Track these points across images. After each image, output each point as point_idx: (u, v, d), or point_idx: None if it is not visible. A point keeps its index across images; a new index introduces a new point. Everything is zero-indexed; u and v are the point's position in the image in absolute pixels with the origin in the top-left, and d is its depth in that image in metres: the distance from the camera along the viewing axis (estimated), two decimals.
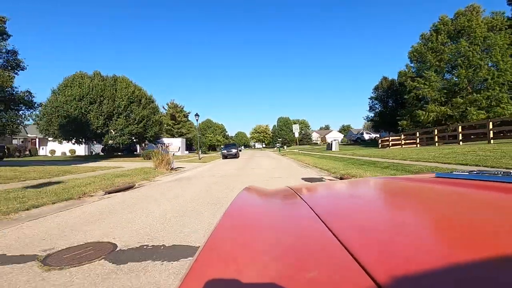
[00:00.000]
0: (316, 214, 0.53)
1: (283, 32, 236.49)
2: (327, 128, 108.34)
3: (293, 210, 0.68)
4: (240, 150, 64.33)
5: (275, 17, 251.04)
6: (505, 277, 0.26)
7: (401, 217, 0.53)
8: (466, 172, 0.85)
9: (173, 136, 39.72)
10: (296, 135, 23.51)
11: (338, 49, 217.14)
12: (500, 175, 0.71)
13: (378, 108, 32.54)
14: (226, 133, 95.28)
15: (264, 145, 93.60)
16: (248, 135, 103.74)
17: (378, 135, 42.23)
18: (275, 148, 67.55)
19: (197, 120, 20.93)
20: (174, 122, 40.86)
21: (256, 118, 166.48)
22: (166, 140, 35.32)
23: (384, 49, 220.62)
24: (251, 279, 0.32)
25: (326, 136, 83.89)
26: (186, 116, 41.77)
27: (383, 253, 0.35)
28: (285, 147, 62.33)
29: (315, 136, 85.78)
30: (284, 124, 79.61)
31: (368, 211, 0.60)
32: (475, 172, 0.81)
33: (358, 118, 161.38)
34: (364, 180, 1.23)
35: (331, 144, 26.18)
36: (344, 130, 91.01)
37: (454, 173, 0.85)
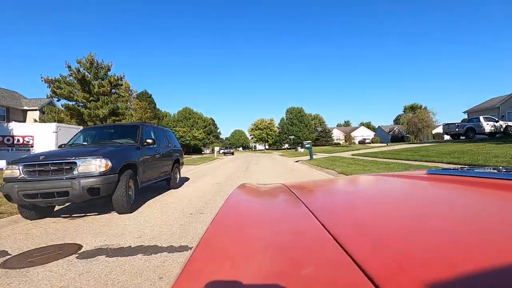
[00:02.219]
0: (310, 211, 0.54)
1: (283, 21, 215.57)
2: (347, 124, 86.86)
3: (287, 207, 0.70)
4: (232, 153, 37.75)
5: (278, 8, 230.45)
6: (500, 273, 0.26)
7: (393, 213, 0.54)
8: (458, 168, 0.87)
9: (84, 123, 18.34)
10: None
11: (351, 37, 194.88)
12: (489, 171, 0.72)
13: None
14: (218, 130, 73.26)
15: (267, 146, 70.97)
16: (248, 134, 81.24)
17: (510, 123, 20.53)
18: (290, 149, 46.35)
19: None
20: (87, 95, 19.35)
21: (255, 117, 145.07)
22: (16, 126, 13.86)
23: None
24: (245, 277, 0.32)
25: (351, 134, 62.61)
26: (115, 85, 20.29)
27: (375, 249, 0.35)
28: (299, 148, 41.32)
29: (336, 134, 64.27)
30: (296, 117, 57.27)
31: (361, 207, 0.62)
32: (466, 169, 0.83)
33: (379, 114, 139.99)
34: (357, 177, 1.25)
35: None
36: (367, 127, 70.09)
37: (445, 169, 0.87)
